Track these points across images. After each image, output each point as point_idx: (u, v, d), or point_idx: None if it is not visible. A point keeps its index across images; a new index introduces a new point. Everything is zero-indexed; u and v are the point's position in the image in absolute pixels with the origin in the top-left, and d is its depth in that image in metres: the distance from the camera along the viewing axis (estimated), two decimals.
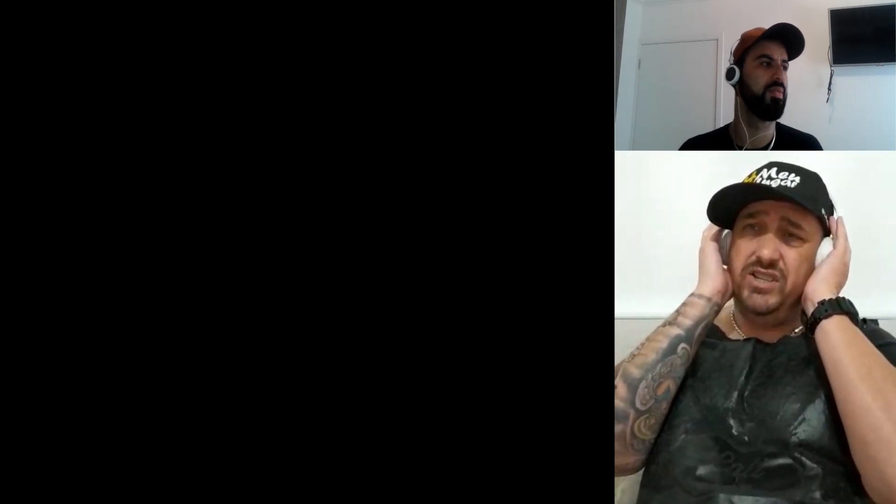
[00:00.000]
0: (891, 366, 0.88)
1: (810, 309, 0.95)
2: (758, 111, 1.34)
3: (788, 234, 1.00)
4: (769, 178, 1.01)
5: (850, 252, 1.00)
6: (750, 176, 1.04)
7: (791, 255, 0.99)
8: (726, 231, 1.07)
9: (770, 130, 1.36)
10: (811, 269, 1.01)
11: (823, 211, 1.01)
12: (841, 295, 0.95)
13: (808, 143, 1.37)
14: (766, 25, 1.37)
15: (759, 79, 1.33)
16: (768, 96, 1.32)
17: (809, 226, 1.00)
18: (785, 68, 1.33)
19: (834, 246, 1.00)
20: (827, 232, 1.02)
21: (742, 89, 1.35)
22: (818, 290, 0.96)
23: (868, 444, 0.83)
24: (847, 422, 0.86)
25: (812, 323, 0.94)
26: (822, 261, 0.99)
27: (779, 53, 1.33)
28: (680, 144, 1.46)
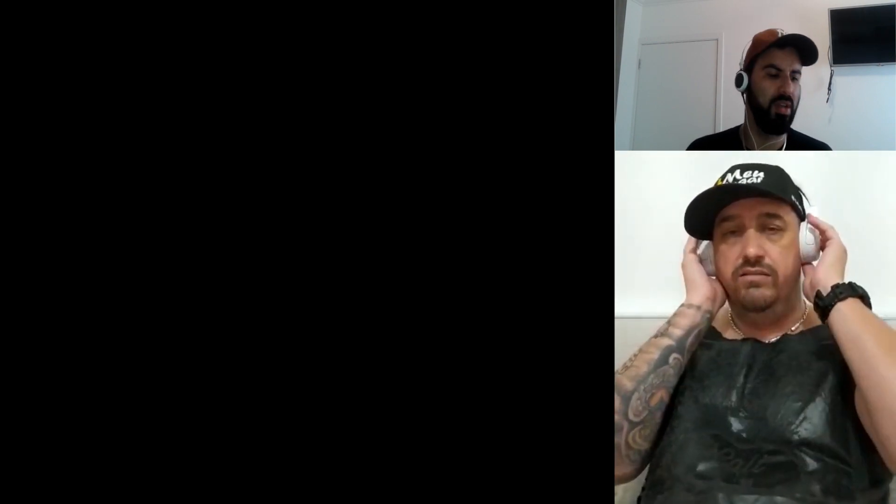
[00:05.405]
0: None
1: (823, 294, 0.95)
2: (763, 125, 1.33)
3: (768, 228, 1.01)
4: (735, 180, 1.02)
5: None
6: (716, 183, 1.05)
7: (775, 249, 1.01)
8: (705, 242, 1.08)
9: (781, 139, 1.35)
10: (797, 256, 1.02)
11: (793, 198, 1.03)
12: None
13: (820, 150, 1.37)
14: (769, 26, 1.35)
15: (766, 91, 1.31)
16: (773, 111, 1.31)
17: (786, 214, 1.02)
18: (795, 78, 1.31)
19: (827, 237, 1.02)
20: (802, 217, 1.03)
21: (749, 98, 1.34)
22: (829, 276, 0.97)
23: None
24: (871, 395, 0.85)
25: (826, 307, 0.94)
26: (825, 251, 1.01)
27: (788, 63, 1.31)
28: (680, 144, 1.46)
